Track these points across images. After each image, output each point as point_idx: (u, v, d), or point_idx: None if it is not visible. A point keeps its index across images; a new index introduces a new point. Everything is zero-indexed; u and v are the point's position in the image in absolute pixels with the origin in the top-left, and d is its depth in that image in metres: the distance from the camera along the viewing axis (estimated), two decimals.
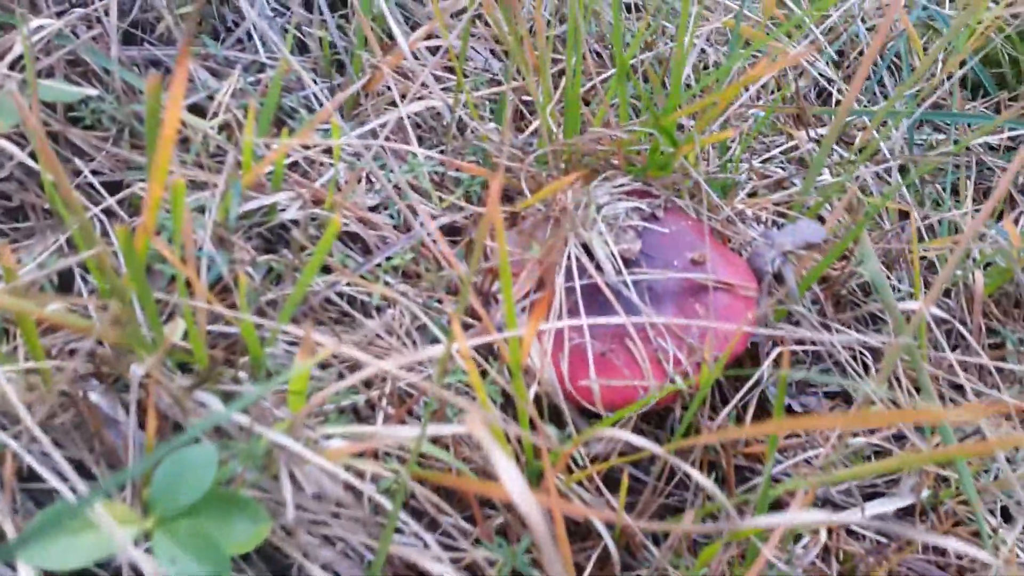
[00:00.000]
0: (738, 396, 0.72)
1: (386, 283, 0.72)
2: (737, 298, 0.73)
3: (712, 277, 0.72)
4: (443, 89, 0.82)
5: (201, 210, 0.66)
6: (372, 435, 0.59)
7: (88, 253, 0.55)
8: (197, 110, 0.76)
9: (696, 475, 0.53)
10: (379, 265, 0.72)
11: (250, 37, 0.81)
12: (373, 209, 0.76)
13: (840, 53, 1.10)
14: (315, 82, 0.81)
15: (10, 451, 0.52)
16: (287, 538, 0.61)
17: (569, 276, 0.71)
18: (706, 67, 1.01)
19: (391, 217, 0.77)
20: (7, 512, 0.56)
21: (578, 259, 0.71)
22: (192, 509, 0.51)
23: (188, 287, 0.65)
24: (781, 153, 0.96)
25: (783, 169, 0.94)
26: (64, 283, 0.69)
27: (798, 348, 0.82)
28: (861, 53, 1.11)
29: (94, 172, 0.72)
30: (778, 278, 0.78)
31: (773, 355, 0.73)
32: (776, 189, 0.92)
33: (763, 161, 0.93)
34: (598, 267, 0.71)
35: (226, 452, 0.58)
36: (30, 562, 0.46)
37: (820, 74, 1.06)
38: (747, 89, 0.91)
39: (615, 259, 0.71)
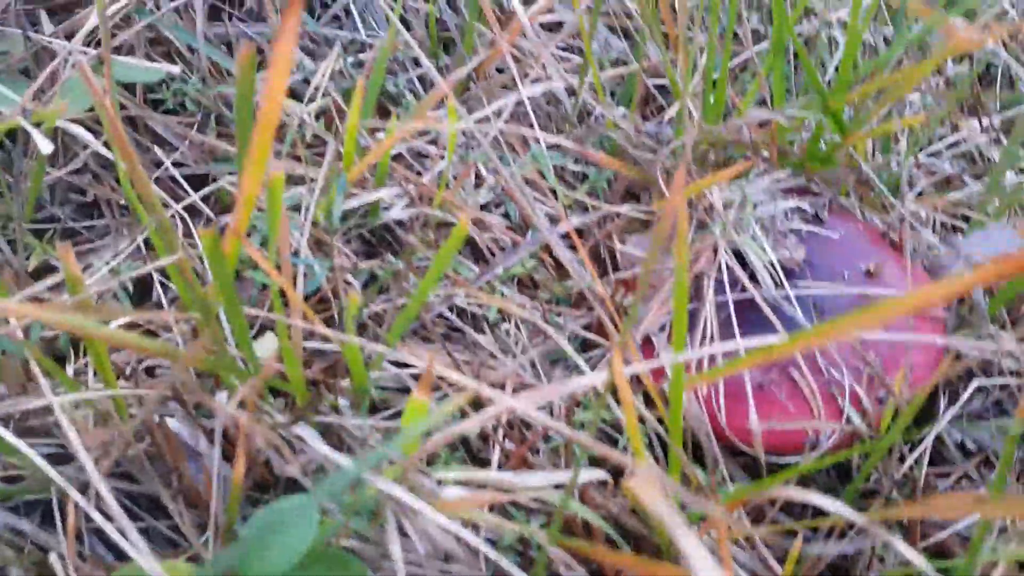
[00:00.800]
0: (923, 441, 0.60)
1: (502, 294, 0.62)
2: (923, 319, 0.60)
3: (892, 292, 0.60)
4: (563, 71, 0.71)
5: (296, 209, 0.57)
6: (498, 483, 0.49)
7: (167, 260, 0.46)
8: (291, 94, 0.67)
9: (912, 554, 0.41)
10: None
11: (348, 13, 0.72)
12: (483, 208, 0.66)
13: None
14: (418, 64, 0.71)
15: (72, 502, 0.44)
16: None
17: (719, 289, 0.60)
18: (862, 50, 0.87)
19: (505, 217, 0.67)
20: (70, 561, 0.48)
21: (730, 269, 0.60)
22: (291, 573, 0.41)
23: (282, 297, 0.56)
24: (947, 148, 0.83)
25: (951, 165, 0.80)
26: (142, 290, 0.61)
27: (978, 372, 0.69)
28: None
29: (177, 164, 0.64)
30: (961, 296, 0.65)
31: (968, 392, 0.60)
32: (944, 188, 0.79)
33: (929, 156, 0.80)
34: (754, 278, 0.60)
35: (324, 497, 0.49)
36: None
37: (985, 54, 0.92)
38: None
39: (774, 269, 0.60)
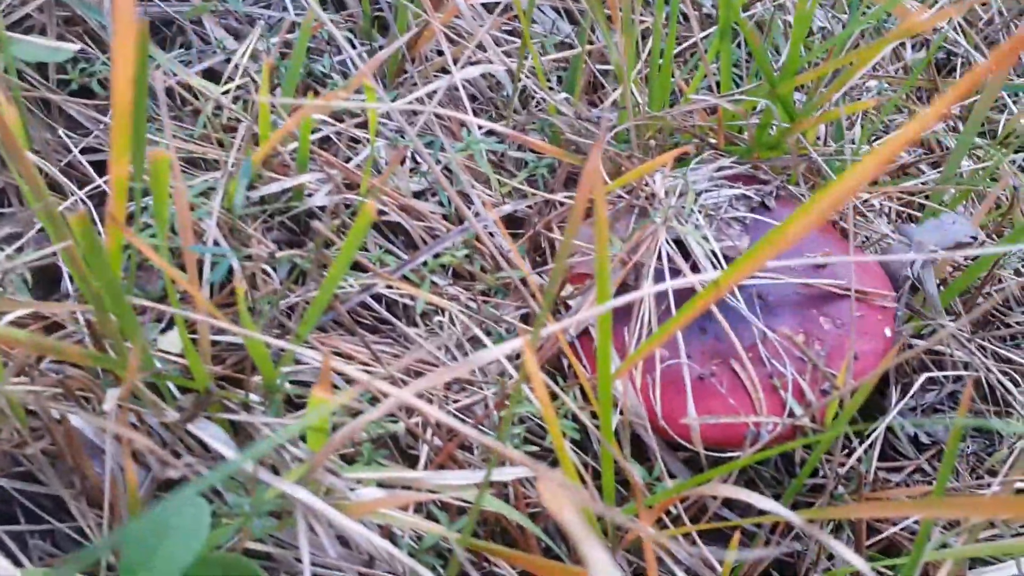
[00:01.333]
0: (872, 433, 0.57)
1: (433, 284, 0.59)
2: (872, 308, 0.58)
3: (840, 283, 0.58)
4: (504, 54, 0.68)
5: (211, 195, 0.54)
6: (416, 482, 0.46)
7: (58, 247, 0.43)
8: (210, 75, 0.63)
9: (850, 556, 0.38)
10: (425, 263, 0.59)
11: None
12: (418, 195, 0.63)
13: (966, 20, 0.94)
14: (353, 45, 0.68)
15: None
16: None
17: (659, 279, 0.57)
18: (810, 34, 0.85)
19: (440, 205, 0.64)
20: None
21: (671, 258, 0.58)
22: None
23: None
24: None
25: (907, 153, 0.78)
26: (49, 282, 0.57)
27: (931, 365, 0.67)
28: (991, 21, 0.94)
29: (88, 150, 0.60)
30: (914, 286, 0.63)
31: (918, 384, 0.58)
32: (899, 176, 0.77)
33: (881, 144, 0.77)
34: (695, 269, 0.57)
35: (224, 500, 0.46)
36: None
37: (944, 42, 0.90)
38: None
39: (717, 259, 0.57)
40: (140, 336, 0.42)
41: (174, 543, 0.38)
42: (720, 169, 0.61)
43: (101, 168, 0.58)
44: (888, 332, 0.57)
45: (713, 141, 0.64)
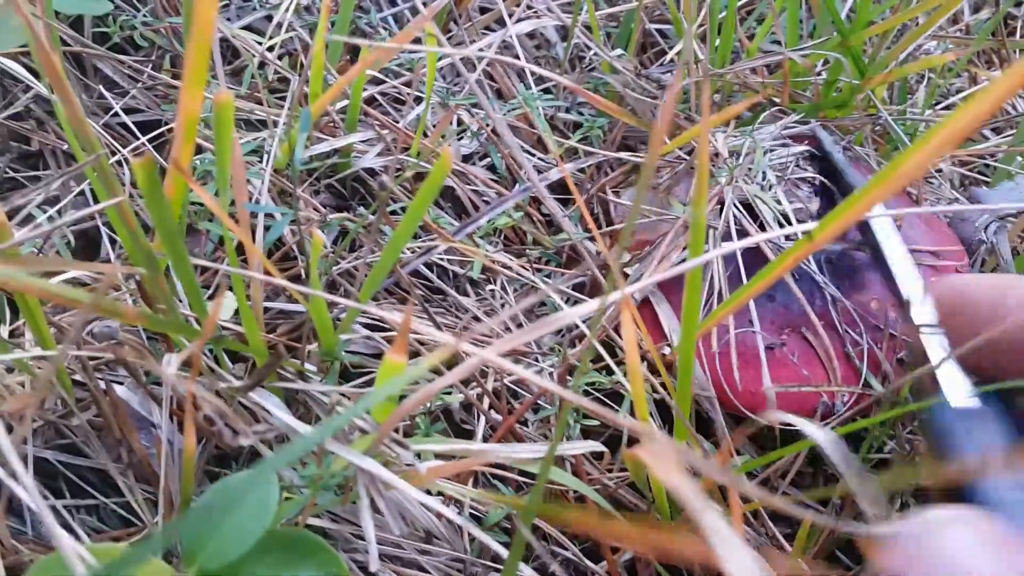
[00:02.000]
0: None
1: (485, 252, 0.56)
2: (948, 272, 0.55)
3: (914, 246, 0.55)
4: (554, 8, 0.65)
5: (258, 156, 0.51)
6: (480, 454, 0.44)
7: (107, 203, 0.40)
8: (251, 32, 0.60)
9: None
10: (478, 229, 0.56)
11: None
12: (466, 159, 0.61)
13: None
14: (393, 2, 0.65)
15: None
16: None
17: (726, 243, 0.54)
18: None
19: (490, 169, 0.61)
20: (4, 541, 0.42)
21: (737, 222, 0.55)
22: (247, 558, 0.36)
23: (240, 253, 0.51)
24: (963, 100, 0.77)
25: None
26: (87, 245, 0.55)
27: None
28: None
29: (129, 110, 0.58)
30: (989, 249, 0.60)
31: None
32: (964, 142, 0.74)
33: (944, 107, 0.74)
34: (764, 232, 0.55)
35: (281, 466, 0.44)
36: None
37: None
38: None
39: (788, 222, 0.55)
40: (200, 297, 0.40)
41: (242, 518, 0.36)
42: (786, 128, 0.58)
43: (144, 129, 0.56)
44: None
45: (777, 100, 0.61)
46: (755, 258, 0.54)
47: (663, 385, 0.51)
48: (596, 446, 0.46)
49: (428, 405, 0.51)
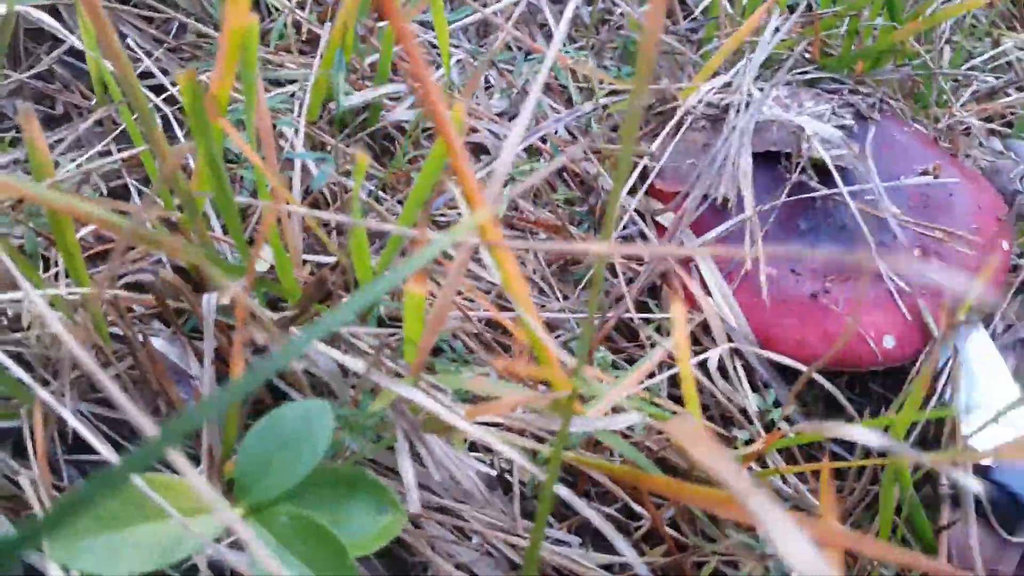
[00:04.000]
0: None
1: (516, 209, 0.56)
2: (988, 219, 0.55)
3: (953, 195, 0.55)
4: None
5: (290, 108, 0.51)
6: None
7: (137, 150, 0.40)
8: None
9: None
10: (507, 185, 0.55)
11: None
12: (500, 116, 0.60)
13: None
14: None
15: (41, 407, 0.37)
16: (410, 529, 0.45)
17: (760, 190, 0.54)
18: None
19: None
20: (44, 491, 0.42)
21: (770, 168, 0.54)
22: (297, 492, 0.35)
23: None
24: (983, 63, 0.77)
25: (995, 78, 0.75)
26: (115, 198, 0.54)
27: None
28: None
29: (150, 74, 0.57)
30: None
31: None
32: (987, 101, 0.74)
33: (969, 68, 0.74)
34: (802, 173, 0.54)
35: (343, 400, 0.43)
36: (64, 562, 0.31)
37: None
38: None
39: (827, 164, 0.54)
40: (240, 232, 0.39)
41: (293, 452, 0.35)
42: (805, 73, 0.57)
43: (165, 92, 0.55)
44: (1006, 245, 0.54)
45: (808, 55, 0.60)
46: (798, 205, 0.53)
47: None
48: (636, 419, 0.45)
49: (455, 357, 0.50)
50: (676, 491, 0.42)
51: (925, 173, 0.55)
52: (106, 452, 0.37)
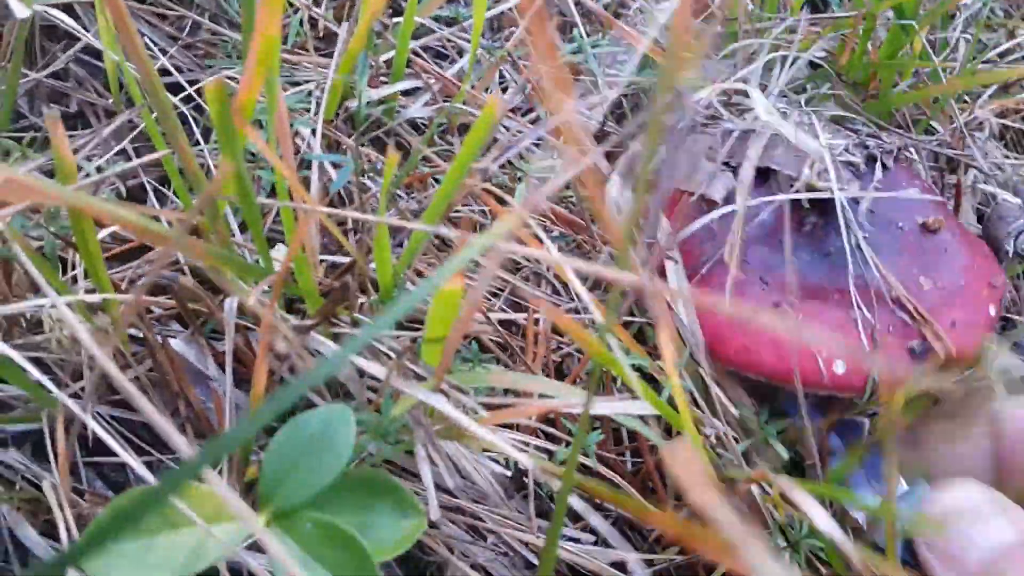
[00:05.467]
0: None
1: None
2: (980, 280, 0.52)
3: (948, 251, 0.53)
4: None
5: (307, 108, 0.51)
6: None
7: (159, 154, 0.40)
8: None
9: None
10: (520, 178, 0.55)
11: None
12: (512, 112, 0.60)
13: None
14: None
15: (63, 412, 0.38)
16: (427, 529, 0.46)
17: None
18: None
19: (535, 123, 0.60)
20: (65, 495, 0.42)
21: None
22: (319, 498, 0.35)
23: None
24: (998, 56, 0.77)
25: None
26: (133, 202, 0.54)
27: None
28: None
29: (165, 72, 0.57)
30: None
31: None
32: (1001, 96, 0.73)
33: (985, 62, 0.74)
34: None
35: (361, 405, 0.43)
36: (95, 572, 0.32)
37: None
38: None
39: (836, 169, 0.53)
40: (263, 235, 0.39)
41: (316, 459, 0.35)
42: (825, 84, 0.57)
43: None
44: (992, 311, 0.51)
45: (825, 55, 0.60)
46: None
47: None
48: (645, 407, 0.45)
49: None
50: (675, 531, 0.41)
51: (924, 225, 0.54)
52: (127, 457, 0.38)
